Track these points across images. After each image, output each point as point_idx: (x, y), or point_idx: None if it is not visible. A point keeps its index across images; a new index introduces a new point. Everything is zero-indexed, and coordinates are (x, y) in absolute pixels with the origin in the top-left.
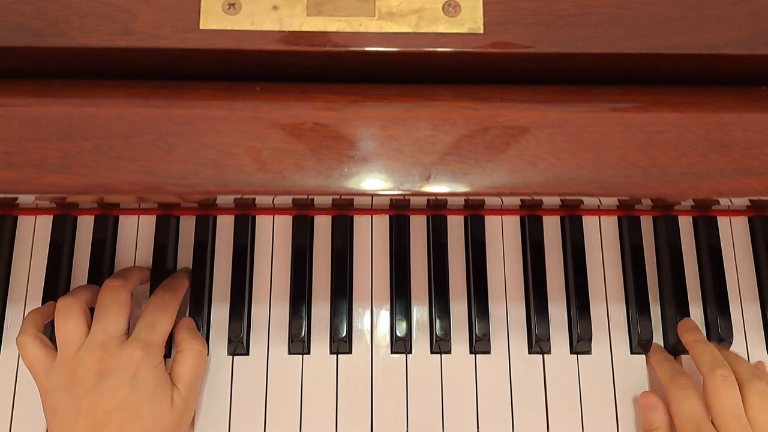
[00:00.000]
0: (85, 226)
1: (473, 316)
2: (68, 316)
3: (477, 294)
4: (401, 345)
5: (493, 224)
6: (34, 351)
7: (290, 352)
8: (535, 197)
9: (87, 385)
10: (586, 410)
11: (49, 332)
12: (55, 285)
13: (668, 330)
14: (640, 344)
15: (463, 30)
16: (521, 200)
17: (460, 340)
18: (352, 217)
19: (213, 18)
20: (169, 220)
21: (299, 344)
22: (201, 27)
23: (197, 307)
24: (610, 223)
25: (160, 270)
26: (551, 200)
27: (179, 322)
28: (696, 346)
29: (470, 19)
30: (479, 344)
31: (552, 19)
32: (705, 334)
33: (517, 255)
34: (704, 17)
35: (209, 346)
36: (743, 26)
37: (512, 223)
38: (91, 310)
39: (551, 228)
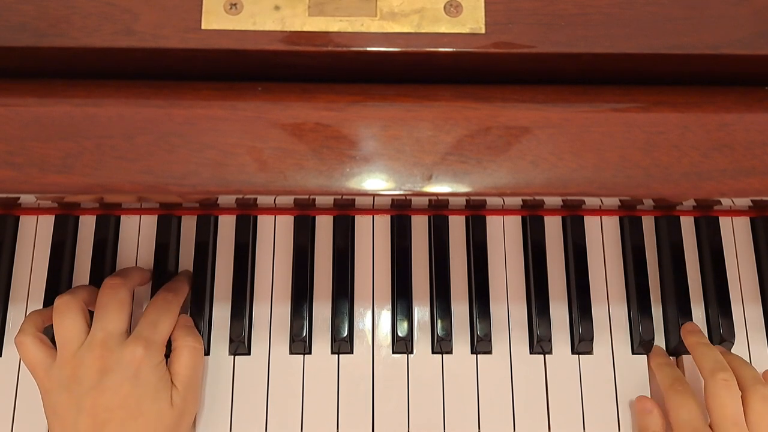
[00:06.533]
0: (87, 226)
1: (474, 316)
2: (66, 313)
3: (478, 294)
4: (402, 345)
5: (494, 224)
6: (33, 350)
7: (291, 352)
8: (537, 197)
9: (88, 384)
10: (587, 410)
11: (49, 334)
12: (57, 285)
13: (670, 330)
14: (641, 344)
15: (465, 30)
16: (523, 200)
17: (461, 340)
18: (353, 217)
19: (215, 18)
20: (171, 219)
21: (300, 344)
22: (203, 27)
23: (198, 307)
24: (612, 223)
25: (162, 270)
26: (553, 200)
27: (177, 321)
28: (699, 349)
29: (472, 19)
30: (480, 344)
31: (553, 19)
32: (707, 335)
33: (518, 255)
34: (706, 17)
35: (211, 346)
36: (744, 26)
37: (514, 223)
38: (91, 314)
39: (553, 228)
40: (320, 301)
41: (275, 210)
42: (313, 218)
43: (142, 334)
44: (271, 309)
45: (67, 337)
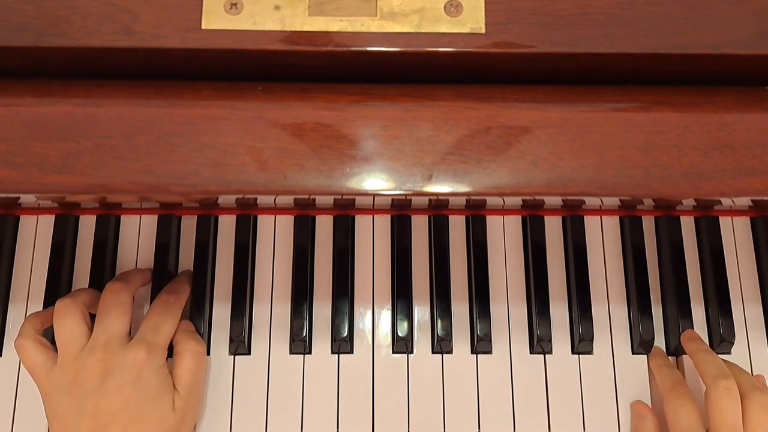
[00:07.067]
0: (87, 226)
1: (474, 316)
2: (67, 316)
3: (478, 294)
4: (402, 345)
5: (494, 224)
6: (33, 353)
7: (292, 352)
8: (537, 197)
9: (90, 387)
10: (587, 410)
11: (49, 337)
12: (57, 285)
13: (670, 330)
14: (641, 344)
15: (465, 30)
16: (523, 200)
17: (461, 340)
18: (353, 217)
19: (215, 18)
20: (171, 219)
21: (301, 344)
22: (203, 27)
23: (199, 306)
24: (612, 223)
25: (162, 269)
26: (553, 200)
27: (178, 325)
28: (700, 355)
29: (472, 19)
30: (480, 344)
31: (553, 19)
32: (707, 335)
33: (518, 255)
34: (706, 17)
35: (211, 346)
36: (745, 26)
37: (514, 223)
38: (93, 316)
39: (553, 228)
40: (320, 301)
41: (275, 210)
42: (313, 218)
43: (145, 337)
44: (271, 309)
45: (68, 339)
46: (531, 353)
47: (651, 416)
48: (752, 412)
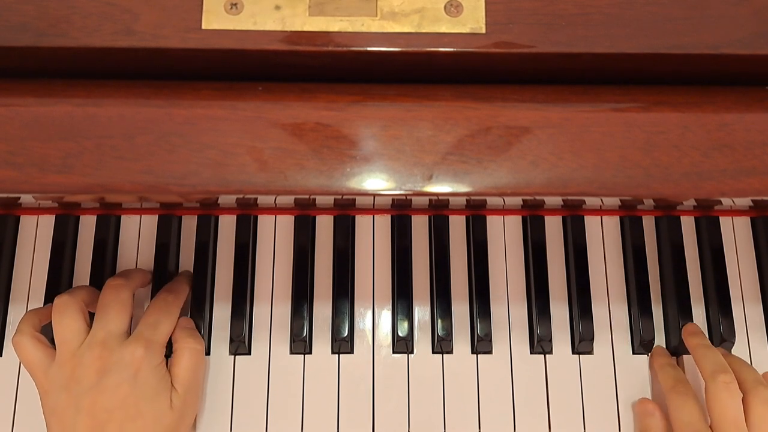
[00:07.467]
0: (87, 226)
1: (475, 316)
2: (65, 313)
3: (479, 294)
4: (403, 345)
5: (494, 224)
6: (31, 350)
7: (292, 352)
8: (537, 197)
9: (87, 384)
10: (587, 410)
11: (47, 335)
12: (57, 285)
13: (670, 330)
14: (642, 344)
15: (465, 30)
16: (523, 200)
17: (461, 340)
18: (353, 217)
19: (215, 18)
20: (171, 219)
21: (301, 344)
22: (203, 27)
23: (199, 306)
24: (612, 223)
25: (162, 270)
26: (553, 200)
27: (177, 323)
28: (700, 351)
29: (472, 19)
30: (481, 344)
31: (554, 19)
32: (707, 335)
33: (518, 255)
34: (706, 17)
35: (211, 346)
36: (745, 26)
37: (514, 223)
38: (91, 315)
39: (553, 228)
40: (320, 301)
41: (276, 210)
42: (314, 218)
43: (143, 334)
44: (272, 309)
45: (66, 336)
46: (531, 353)
47: (659, 413)
48: (755, 408)
